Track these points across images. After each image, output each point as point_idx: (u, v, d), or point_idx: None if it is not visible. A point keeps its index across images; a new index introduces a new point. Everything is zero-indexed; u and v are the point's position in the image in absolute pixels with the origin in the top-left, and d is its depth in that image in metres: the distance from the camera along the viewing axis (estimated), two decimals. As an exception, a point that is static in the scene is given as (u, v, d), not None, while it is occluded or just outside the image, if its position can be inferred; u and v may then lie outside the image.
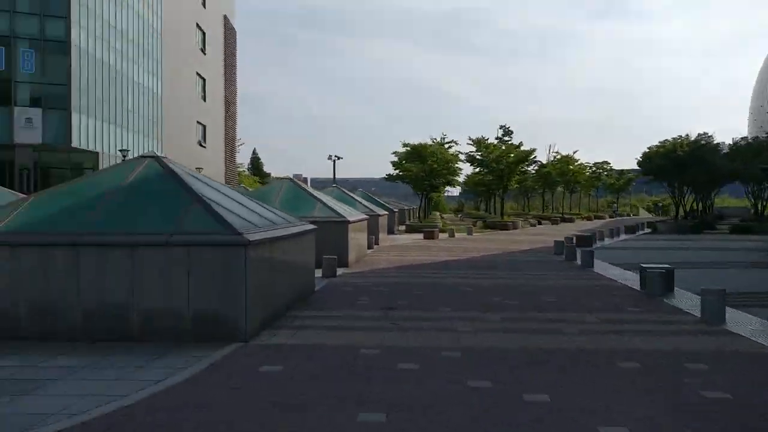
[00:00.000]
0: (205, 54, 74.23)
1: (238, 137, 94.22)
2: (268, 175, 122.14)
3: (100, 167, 44.67)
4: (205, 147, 72.30)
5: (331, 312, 12.44)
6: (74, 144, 40.87)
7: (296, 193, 22.19)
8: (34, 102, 40.16)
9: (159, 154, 46.68)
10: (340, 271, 18.95)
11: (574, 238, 31.31)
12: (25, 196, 13.93)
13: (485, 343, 9.83)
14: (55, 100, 40.37)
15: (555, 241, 28.56)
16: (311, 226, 14.88)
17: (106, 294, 9.80)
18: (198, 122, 71.34)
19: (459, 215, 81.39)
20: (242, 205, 12.53)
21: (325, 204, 21.80)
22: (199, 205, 10.61)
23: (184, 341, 9.64)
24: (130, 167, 11.84)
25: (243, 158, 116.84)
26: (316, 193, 23.52)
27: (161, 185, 11.31)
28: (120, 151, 44.82)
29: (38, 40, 39.96)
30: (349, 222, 20.77)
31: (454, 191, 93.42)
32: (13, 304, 9.83)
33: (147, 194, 11.10)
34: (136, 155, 50.81)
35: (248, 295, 9.81)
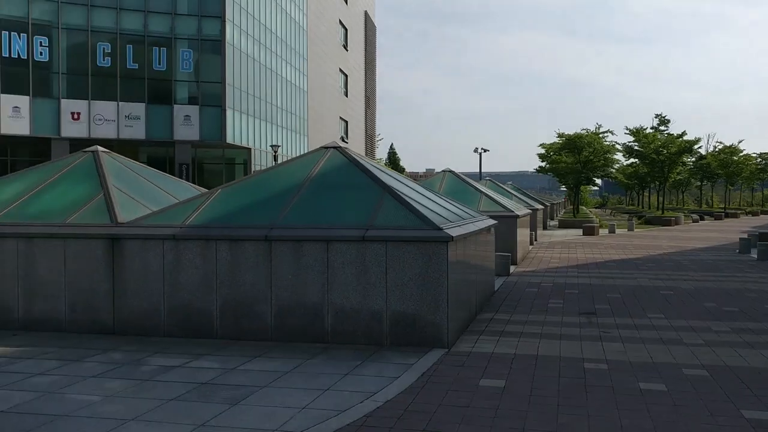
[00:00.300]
0: (347, 50, 75.19)
1: (376, 132, 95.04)
2: (404, 170, 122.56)
3: (252, 163, 45.96)
4: (347, 143, 73.32)
5: (526, 316, 11.32)
6: (228, 140, 42.18)
7: (459, 185, 21.21)
8: (192, 100, 41.79)
9: (304, 149, 47.53)
10: (511, 269, 17.77)
11: (760, 236, 28.30)
12: (206, 190, 13.83)
13: (731, 361, 8.35)
14: (211, 98, 41.82)
15: (740, 239, 25.85)
16: (492, 221, 13.82)
17: (299, 292, 9.21)
18: (341, 118, 72.37)
19: (609, 211, 77.54)
20: (426, 197, 11.68)
21: (489, 197, 20.67)
22: (392, 198, 9.83)
23: (380, 345, 8.89)
24: (315, 158, 11.27)
25: (380, 153, 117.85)
26: (477, 185, 22.44)
27: (348, 176, 10.65)
28: (271, 146, 45.86)
29: (196, 40, 41.51)
30: (518, 216, 19.53)
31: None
32: (206, 301, 9.48)
33: (335, 186, 10.47)
34: (286, 152, 52.01)
35: (450, 297, 8.90)
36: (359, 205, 9.84)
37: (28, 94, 37.62)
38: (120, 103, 39.75)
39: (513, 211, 19.62)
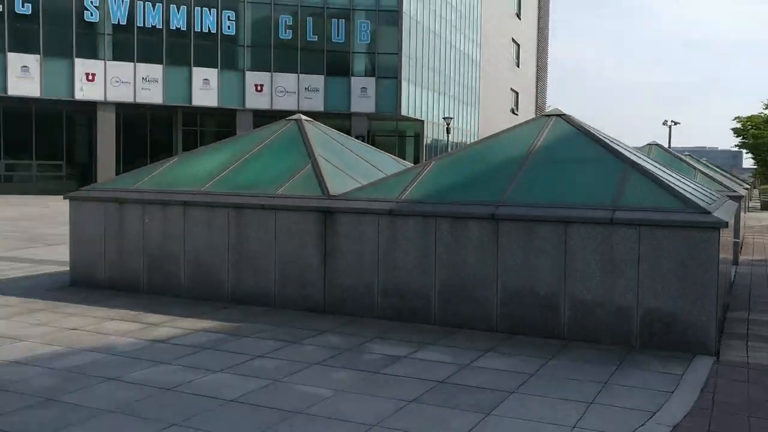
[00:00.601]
0: (519, 19, 72.50)
1: (547, 104, 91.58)
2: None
3: (424, 136, 45.33)
4: (517, 115, 71.02)
5: (789, 317, 9.48)
6: (403, 112, 41.75)
7: (669, 160, 19.01)
8: (368, 72, 41.68)
9: (475, 121, 46.12)
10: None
11: None
12: (402, 162, 13.04)
13: None
14: (387, 70, 41.49)
15: None
16: (734, 203, 11.90)
17: (530, 279, 8.08)
18: (511, 89, 70.11)
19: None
20: (669, 173, 10.06)
21: (706, 174, 18.36)
22: (640, 174, 8.39)
23: (628, 346, 7.57)
24: (536, 128, 10.01)
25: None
26: (689, 160, 20.11)
27: (578, 148, 9.31)
28: (444, 118, 44.96)
29: (373, 11, 41.23)
30: (741, 197, 17.13)
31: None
32: (423, 283, 8.60)
33: (563, 159, 9.17)
34: (457, 125, 50.96)
35: (719, 294, 7.39)
36: (597, 182, 8.51)
37: (217, 67, 39.15)
38: (300, 75, 40.41)
39: (735, 191, 17.23)
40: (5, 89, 34.46)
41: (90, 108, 37.63)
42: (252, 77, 39.78)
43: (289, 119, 11.92)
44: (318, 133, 11.73)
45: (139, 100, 37.60)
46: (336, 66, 41.10)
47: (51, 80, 35.40)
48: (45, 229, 20.07)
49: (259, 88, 39.88)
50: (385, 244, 8.80)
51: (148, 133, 41.28)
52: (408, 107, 42.26)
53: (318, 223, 9.18)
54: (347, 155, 11.65)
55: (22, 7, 34.55)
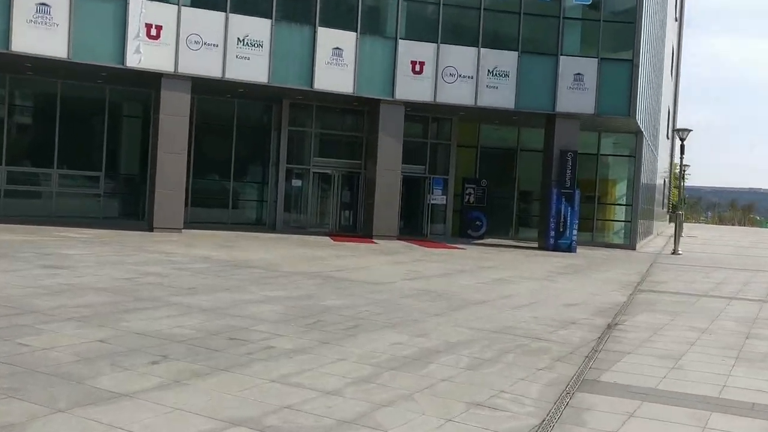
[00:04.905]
0: (675, 21, 55.52)
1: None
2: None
3: (642, 157, 28.61)
4: (668, 139, 54.09)
5: None
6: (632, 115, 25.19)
7: None
8: (587, 50, 25.25)
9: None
10: None
11: None
12: None
13: None
14: (615, 47, 25.11)
15: None
16: None
17: None
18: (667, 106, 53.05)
19: None
20: None
21: None
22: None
23: None
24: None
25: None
26: None
27: None
28: (677, 131, 28.26)
29: (598, -45, 24.89)
30: None
31: None
32: None
33: None
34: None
35: None
36: None
37: (355, 31, 23.09)
38: (481, 49, 24.11)
39: None
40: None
41: (150, 81, 21.87)
42: (407, 50, 23.57)
43: None
44: None
45: (230, 75, 21.59)
46: (537, 38, 24.85)
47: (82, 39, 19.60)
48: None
49: (417, 67, 23.63)
50: None
51: (234, 129, 25.40)
52: (637, 108, 25.58)
53: None
54: None
55: None
